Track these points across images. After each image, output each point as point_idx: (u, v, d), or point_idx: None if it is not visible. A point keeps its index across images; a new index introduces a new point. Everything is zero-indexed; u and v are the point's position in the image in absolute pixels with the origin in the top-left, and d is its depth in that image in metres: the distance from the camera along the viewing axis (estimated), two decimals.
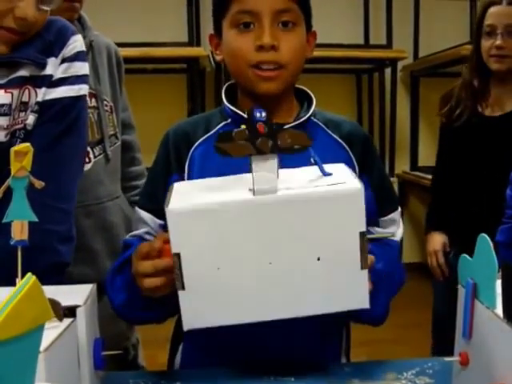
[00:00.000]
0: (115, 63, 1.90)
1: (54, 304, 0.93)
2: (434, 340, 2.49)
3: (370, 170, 1.30)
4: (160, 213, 1.23)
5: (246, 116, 1.23)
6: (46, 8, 1.25)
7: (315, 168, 0.99)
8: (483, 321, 0.91)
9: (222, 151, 0.89)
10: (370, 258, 1.01)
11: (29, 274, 0.61)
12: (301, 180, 0.96)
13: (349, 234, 0.93)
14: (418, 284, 2.91)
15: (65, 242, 1.30)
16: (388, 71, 4.57)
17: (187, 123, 1.35)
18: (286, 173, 0.98)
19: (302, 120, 1.27)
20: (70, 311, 0.95)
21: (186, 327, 0.98)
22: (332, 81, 4.67)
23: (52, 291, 0.99)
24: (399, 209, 1.36)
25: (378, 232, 1.29)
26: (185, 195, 0.97)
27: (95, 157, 1.75)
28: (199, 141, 1.29)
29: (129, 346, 1.94)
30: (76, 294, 1.02)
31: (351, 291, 0.97)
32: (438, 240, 2.42)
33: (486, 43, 2.20)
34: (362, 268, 0.95)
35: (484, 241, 0.90)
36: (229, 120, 1.30)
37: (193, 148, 1.28)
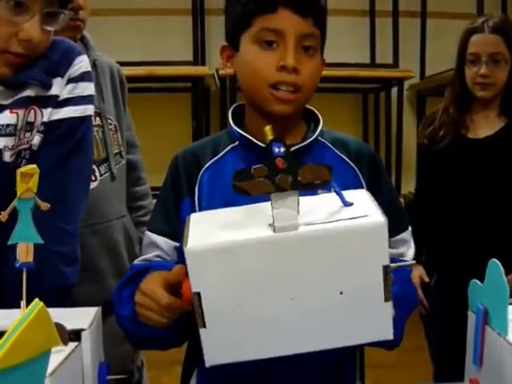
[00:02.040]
0: (118, 83, 1.91)
1: (59, 328, 0.92)
2: (435, 366, 2.47)
3: (379, 189, 1.28)
4: (175, 235, 1.25)
5: (252, 139, 1.24)
6: (50, 28, 1.26)
7: (335, 196, 0.97)
8: (494, 348, 0.90)
9: (240, 190, 0.88)
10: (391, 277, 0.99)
11: (36, 299, 0.60)
12: (321, 212, 0.94)
13: (372, 267, 0.91)
14: (420, 307, 2.90)
15: (70, 264, 1.30)
16: (394, 90, 4.56)
17: (195, 146, 1.35)
18: (305, 202, 0.95)
19: (309, 140, 1.27)
20: (75, 335, 0.94)
21: (208, 363, 0.96)
22: (338, 100, 4.66)
23: (56, 314, 0.98)
24: (409, 228, 1.34)
25: (389, 253, 1.28)
26: (203, 231, 0.95)
27: (101, 175, 1.75)
28: (207, 164, 1.28)
29: (134, 369, 1.93)
30: (81, 317, 1.01)
31: (375, 323, 0.95)
32: (414, 274, 2.38)
33: (470, 71, 2.21)
34: (385, 300, 0.93)
35: (495, 266, 0.89)
36: (236, 143, 1.29)
37: (202, 170, 1.28)
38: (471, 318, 0.98)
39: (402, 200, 4.57)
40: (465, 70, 2.23)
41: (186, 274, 0.93)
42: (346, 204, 0.95)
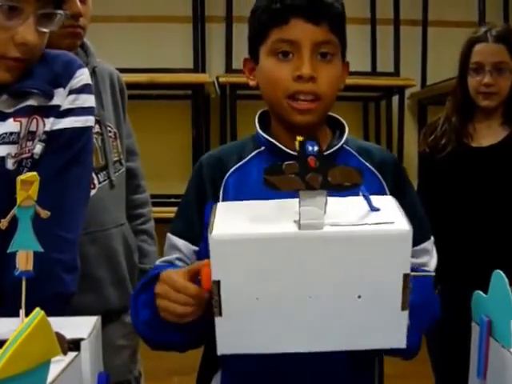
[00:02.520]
0: (118, 90, 1.90)
1: (58, 337, 0.91)
2: (436, 378, 2.46)
3: (402, 198, 1.27)
4: (195, 239, 1.26)
5: (278, 144, 1.24)
6: (45, 30, 1.25)
7: (363, 200, 0.97)
8: (499, 360, 0.88)
9: (270, 184, 0.87)
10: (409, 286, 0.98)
11: (37, 309, 0.60)
12: (348, 214, 0.94)
13: (392, 274, 0.91)
14: None
15: (69, 272, 1.29)
16: (395, 99, 4.56)
17: (220, 151, 1.37)
18: (333, 202, 0.94)
19: (335, 148, 1.27)
20: (75, 345, 0.93)
21: (219, 351, 0.96)
22: (339, 108, 4.58)
23: (55, 323, 0.98)
24: (432, 238, 1.34)
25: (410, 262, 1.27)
26: (228, 221, 0.95)
27: (100, 183, 1.75)
28: (233, 168, 1.29)
29: (131, 379, 1.92)
30: (80, 326, 1.00)
31: (389, 330, 0.95)
32: None
33: (473, 80, 2.21)
34: (402, 309, 0.92)
35: (499, 277, 0.89)
36: (262, 148, 1.30)
37: (227, 175, 1.28)
38: (475, 329, 0.97)
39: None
40: (467, 79, 2.22)
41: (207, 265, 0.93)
42: (373, 209, 0.95)
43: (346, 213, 0.94)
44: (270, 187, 0.87)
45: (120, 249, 1.81)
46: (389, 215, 0.94)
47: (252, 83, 1.33)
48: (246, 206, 1.03)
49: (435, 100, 4.50)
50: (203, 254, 1.21)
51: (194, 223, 1.27)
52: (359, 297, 0.92)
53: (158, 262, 1.31)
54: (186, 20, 4.47)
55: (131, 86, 3.16)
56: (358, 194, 0.97)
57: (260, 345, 0.96)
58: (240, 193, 1.25)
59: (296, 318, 0.93)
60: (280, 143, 1.27)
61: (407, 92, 4.61)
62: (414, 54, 4.64)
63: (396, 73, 4.55)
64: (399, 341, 0.95)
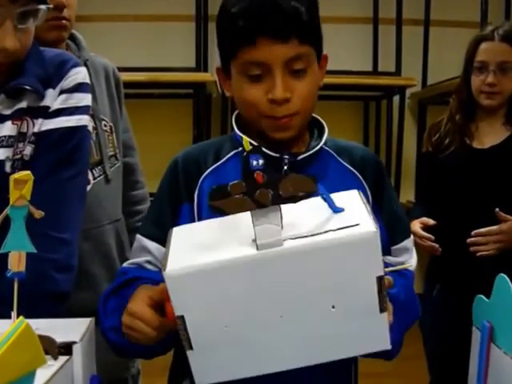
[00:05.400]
0: (114, 84, 1.87)
1: (49, 341, 0.90)
2: (432, 377, 2.44)
3: (382, 196, 1.26)
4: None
5: (255, 144, 1.20)
6: (25, 26, 1.22)
7: (323, 203, 0.92)
8: (500, 367, 0.87)
9: (217, 209, 0.83)
10: (388, 280, 0.95)
11: (20, 317, 0.57)
12: (309, 222, 0.88)
13: (365, 279, 0.86)
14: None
15: (62, 271, 1.28)
16: (396, 99, 4.54)
17: (197, 150, 1.31)
18: (290, 210, 0.89)
19: (314, 150, 1.24)
20: (66, 349, 0.92)
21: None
22: (340, 108, 4.64)
23: (48, 325, 0.97)
24: (411, 236, 1.31)
25: (390, 261, 1.25)
26: (183, 251, 0.91)
27: (94, 178, 1.72)
28: (208, 170, 1.25)
29: (128, 377, 1.90)
30: (73, 329, 1.00)
31: (372, 335, 0.91)
32: (413, 224, 2.32)
33: (476, 79, 2.20)
34: (380, 312, 0.88)
35: (503, 281, 0.86)
36: (239, 149, 1.26)
37: (202, 177, 1.24)
38: (476, 335, 0.95)
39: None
40: (471, 78, 2.21)
41: None
42: (336, 210, 0.90)
43: (306, 220, 0.89)
44: (217, 213, 0.84)
45: (113, 245, 1.79)
46: (354, 215, 0.88)
47: (228, 94, 1.29)
48: (201, 229, 0.99)
49: (436, 100, 4.49)
50: None
51: (166, 225, 1.20)
52: (333, 307, 0.88)
53: (125, 265, 1.27)
54: (189, 19, 4.46)
55: (133, 84, 3.15)
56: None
57: (237, 371, 0.92)
58: None
59: (270, 338, 0.89)
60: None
61: (407, 92, 4.59)
62: (415, 53, 4.62)
63: (397, 72, 4.54)
64: (383, 343, 0.92)
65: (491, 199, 2.14)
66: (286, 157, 1.20)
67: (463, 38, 2.35)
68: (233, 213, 0.83)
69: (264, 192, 0.82)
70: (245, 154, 0.85)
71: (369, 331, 0.91)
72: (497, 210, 2.09)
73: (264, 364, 0.91)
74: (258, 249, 0.84)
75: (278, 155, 1.20)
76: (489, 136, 2.22)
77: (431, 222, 2.28)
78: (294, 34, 1.15)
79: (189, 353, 0.90)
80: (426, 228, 2.28)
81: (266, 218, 0.83)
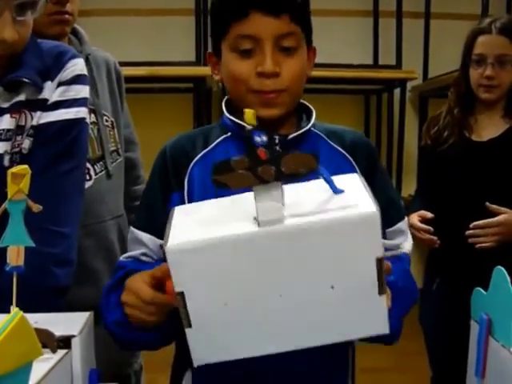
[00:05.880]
0: (115, 78, 1.87)
1: (48, 335, 0.90)
2: (433, 371, 2.44)
3: (374, 178, 1.24)
4: (161, 232, 1.20)
5: (248, 127, 1.19)
6: (23, 18, 1.22)
7: (324, 183, 0.91)
8: (498, 360, 0.87)
9: (221, 184, 0.84)
10: (387, 265, 0.95)
11: (16, 309, 0.57)
12: (310, 201, 0.88)
13: (364, 260, 0.86)
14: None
15: (61, 265, 1.28)
16: (397, 92, 4.54)
17: (185, 137, 1.31)
18: (292, 191, 0.90)
19: (304, 130, 1.24)
20: (65, 342, 0.92)
21: (195, 363, 0.93)
22: (340, 101, 4.64)
23: (47, 319, 0.97)
24: (406, 218, 1.31)
25: (386, 244, 1.24)
26: (184, 228, 0.91)
27: (96, 174, 1.71)
28: (198, 156, 1.25)
29: (131, 373, 1.90)
30: (71, 323, 0.99)
31: (370, 318, 0.90)
32: (411, 217, 2.31)
33: (474, 72, 2.19)
34: (380, 294, 0.88)
35: (500, 274, 0.86)
36: (229, 134, 1.26)
37: (192, 164, 1.24)
38: (474, 328, 0.95)
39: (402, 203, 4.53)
40: (469, 71, 2.21)
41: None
42: (336, 191, 0.89)
43: (307, 200, 0.89)
44: (220, 187, 0.84)
45: (115, 240, 1.79)
46: (354, 196, 0.89)
47: (217, 78, 1.29)
48: (203, 208, 0.99)
49: (437, 93, 4.48)
50: None
51: (158, 214, 1.20)
52: (332, 287, 0.87)
53: (121, 258, 1.27)
54: (189, 13, 4.46)
55: (133, 79, 3.14)
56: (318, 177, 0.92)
57: (235, 350, 0.92)
58: (206, 182, 1.17)
59: (269, 318, 0.89)
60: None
61: (409, 85, 4.59)
62: (416, 46, 4.62)
63: (398, 65, 4.54)
64: (382, 327, 0.91)
65: (490, 192, 2.14)
66: (277, 136, 1.20)
67: (464, 31, 2.34)
68: (236, 187, 0.84)
69: (267, 168, 0.83)
70: (248, 129, 0.85)
71: (367, 314, 0.90)
72: (487, 203, 2.09)
73: (262, 345, 0.91)
74: (259, 226, 0.84)
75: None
76: (488, 129, 2.22)
77: (429, 215, 2.27)
78: (286, 10, 1.18)
79: (187, 331, 0.90)
80: (424, 221, 2.28)
81: (268, 194, 0.84)
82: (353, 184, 0.94)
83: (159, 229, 1.18)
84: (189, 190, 1.22)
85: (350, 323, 0.91)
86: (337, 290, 0.87)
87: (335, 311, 0.89)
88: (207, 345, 0.91)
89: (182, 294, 0.87)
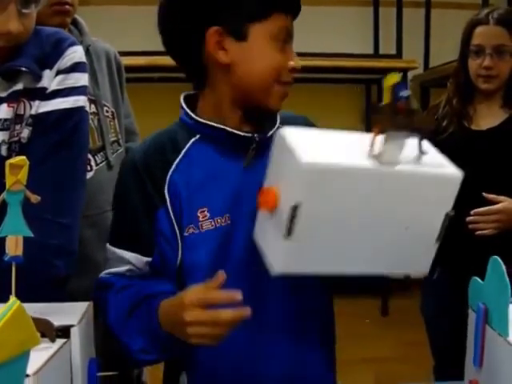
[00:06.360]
0: (115, 69, 1.87)
1: (46, 324, 0.91)
2: (435, 360, 2.45)
3: None
4: (146, 250, 1.19)
5: (232, 130, 1.20)
6: (28, 11, 1.22)
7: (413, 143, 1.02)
8: (495, 348, 0.87)
9: (376, 123, 0.96)
10: None
11: (13, 298, 0.58)
12: (409, 156, 1.01)
13: (438, 211, 1.02)
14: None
15: (61, 256, 1.28)
16: None
17: (151, 146, 1.25)
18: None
19: (274, 130, 1.22)
20: (64, 331, 0.92)
21: (277, 269, 1.00)
22: (341, 91, 4.63)
23: (46, 309, 0.97)
24: None
25: None
26: (311, 148, 0.97)
27: (97, 164, 1.72)
28: (173, 167, 1.20)
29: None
30: (71, 313, 1.00)
31: (420, 259, 1.06)
32: None
33: (473, 63, 2.19)
34: (436, 241, 1.05)
35: (496, 263, 0.87)
36: (197, 136, 1.23)
37: (169, 175, 1.19)
38: (471, 317, 0.95)
39: None
40: (468, 62, 2.21)
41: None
42: (423, 152, 1.02)
43: (408, 154, 1.01)
44: (374, 125, 0.96)
45: None
46: (438, 159, 1.06)
47: (224, 60, 1.19)
48: (320, 137, 1.05)
49: (438, 82, 4.46)
50: (157, 263, 1.19)
51: (142, 233, 1.19)
52: (406, 228, 1.01)
53: (103, 275, 1.25)
54: None
55: (132, 68, 3.13)
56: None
57: (318, 265, 1.02)
58: (192, 188, 1.19)
59: (351, 242, 1.01)
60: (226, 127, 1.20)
61: (410, 74, 4.58)
62: (416, 36, 4.61)
63: (398, 55, 4.53)
64: (425, 268, 1.07)
65: (489, 181, 2.14)
66: (256, 135, 1.19)
67: (465, 20, 2.33)
68: (385, 128, 0.96)
69: (402, 119, 0.95)
70: (392, 85, 0.95)
71: (422, 255, 1.06)
72: (484, 194, 2.09)
73: (339, 265, 1.02)
74: (380, 163, 0.96)
75: (249, 135, 1.20)
76: (486, 118, 2.22)
77: None
78: (298, 12, 1.23)
79: (283, 241, 0.97)
80: None
81: (395, 140, 0.96)
82: (430, 151, 1.07)
83: (145, 247, 1.19)
84: (172, 203, 1.18)
85: (408, 260, 1.05)
86: (409, 232, 1.02)
87: (399, 248, 1.03)
88: (296, 256, 1.00)
89: (296, 206, 0.94)
